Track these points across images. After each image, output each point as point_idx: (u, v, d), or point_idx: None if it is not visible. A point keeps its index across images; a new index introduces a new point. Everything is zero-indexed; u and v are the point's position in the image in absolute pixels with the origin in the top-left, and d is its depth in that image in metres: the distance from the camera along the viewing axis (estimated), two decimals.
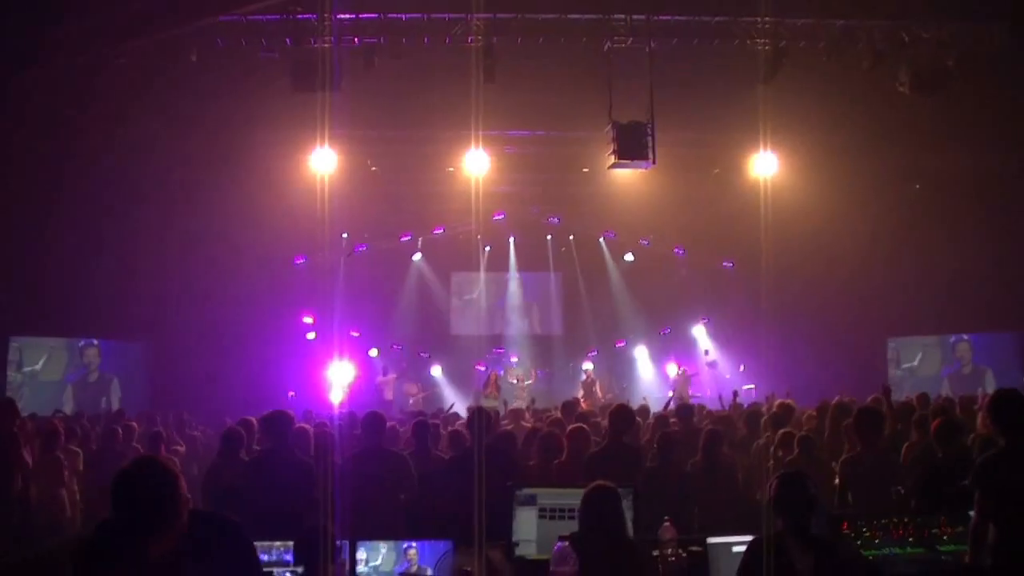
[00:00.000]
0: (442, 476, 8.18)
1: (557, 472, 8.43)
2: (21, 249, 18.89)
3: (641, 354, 27.56)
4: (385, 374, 24.47)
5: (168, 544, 3.80)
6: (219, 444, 9.23)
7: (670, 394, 22.55)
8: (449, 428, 11.15)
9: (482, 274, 27.75)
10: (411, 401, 24.35)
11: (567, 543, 5.20)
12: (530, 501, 5.92)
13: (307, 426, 10.05)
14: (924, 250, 22.19)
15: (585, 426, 9.07)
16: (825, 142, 20.19)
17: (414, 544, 5.66)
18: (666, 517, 5.78)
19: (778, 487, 5.18)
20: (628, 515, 5.77)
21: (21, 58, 14.11)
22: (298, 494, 7.35)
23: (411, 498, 8.16)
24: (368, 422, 8.52)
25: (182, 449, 11.13)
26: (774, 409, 11.28)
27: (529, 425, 12.99)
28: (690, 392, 23.62)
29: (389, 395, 23.96)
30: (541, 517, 5.90)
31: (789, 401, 12.26)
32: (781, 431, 9.49)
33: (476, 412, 8.69)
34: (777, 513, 5.15)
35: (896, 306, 23.12)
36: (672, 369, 25.81)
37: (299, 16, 15.32)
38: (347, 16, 15.67)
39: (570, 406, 13.50)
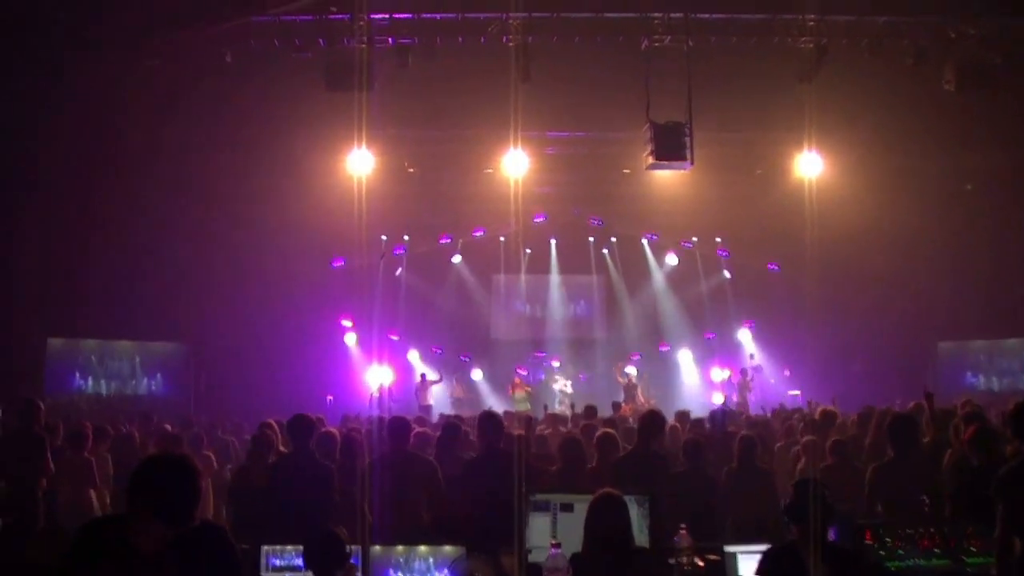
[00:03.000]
0: (458, 481, 8.20)
1: (589, 478, 8.40)
2: (60, 251, 19.21)
3: (685, 358, 27.40)
4: (424, 378, 24.49)
5: (158, 543, 3.85)
6: (249, 447, 9.35)
7: (715, 397, 22.40)
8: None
9: (523, 277, 27.75)
10: (454, 404, 24.38)
11: (561, 549, 5.19)
12: (544, 507, 5.90)
13: (334, 430, 10.09)
14: (974, 251, 21.83)
15: (613, 431, 9.03)
16: (870, 141, 19.95)
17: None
18: (682, 525, 5.74)
19: (793, 494, 5.13)
20: (643, 523, 5.73)
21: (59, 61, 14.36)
22: (316, 498, 7.39)
23: (437, 503, 8.18)
24: (393, 427, 8.54)
25: (211, 455, 11.21)
26: (815, 415, 11.16)
27: (566, 431, 12.95)
28: (747, 397, 23.46)
29: (428, 399, 23.97)
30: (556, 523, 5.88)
31: (831, 407, 12.10)
32: (807, 437, 9.38)
33: (481, 417, 8.68)
34: (792, 521, 5.09)
35: (946, 309, 22.75)
36: (717, 374, 25.64)
37: (332, 16, 15.44)
38: (381, 16, 15.75)
39: (591, 409, 13.48)
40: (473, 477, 7.90)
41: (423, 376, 24.51)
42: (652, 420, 8.64)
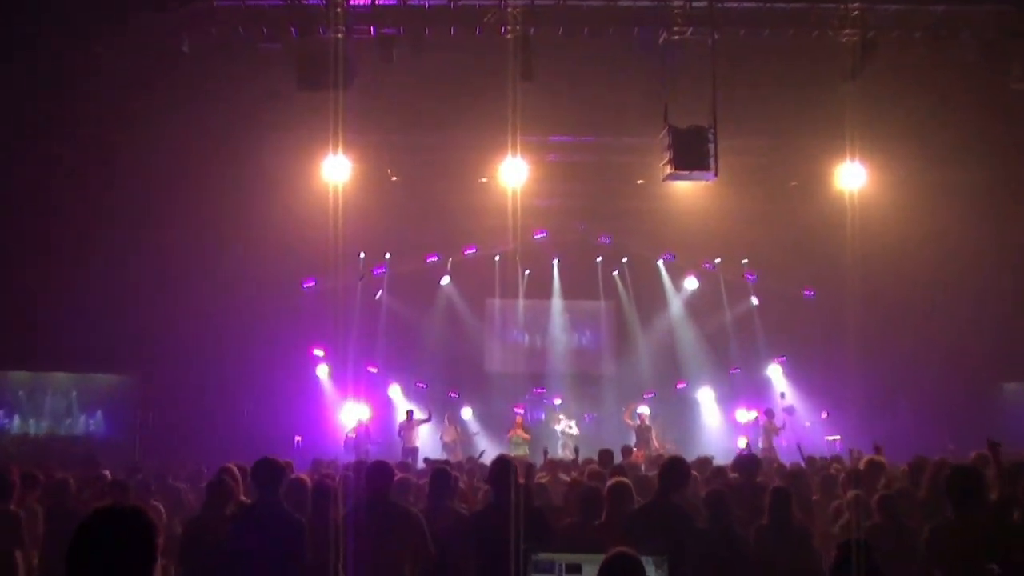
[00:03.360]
0: (460, 537, 8.12)
1: (597, 534, 8.34)
2: None
3: (706, 398, 27.35)
4: (411, 416, 24.35)
5: None
6: (204, 496, 9.24)
7: (740, 442, 22.33)
8: (475, 480, 11.10)
9: (521, 302, 27.73)
10: (447, 451, 24.20)
11: None
12: (548, 568, 5.84)
13: (305, 477, 10.02)
14: None
15: (626, 479, 8.97)
16: (922, 150, 19.94)
17: None
18: None
19: (836, 557, 5.09)
20: None
21: None
22: (284, 556, 7.32)
23: (424, 562, 8.12)
24: (373, 473, 8.49)
25: (159, 506, 11.08)
26: (858, 465, 11.11)
27: (568, 479, 12.90)
28: (773, 442, 23.38)
29: (414, 440, 23.82)
30: None
31: (878, 457, 12.03)
32: (852, 491, 9.33)
33: (498, 461, 8.60)
34: None
35: (1013, 344, 22.43)
36: (743, 415, 25.60)
37: (305, 1, 15.42)
38: (361, 2, 15.75)
39: (607, 454, 13.41)
40: (481, 532, 7.83)
41: (410, 413, 24.33)
42: (675, 468, 8.58)
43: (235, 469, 9.81)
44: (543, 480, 12.63)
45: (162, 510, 10.85)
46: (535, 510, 8.49)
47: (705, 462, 13.60)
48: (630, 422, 24.22)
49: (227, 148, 19.65)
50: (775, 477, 12.77)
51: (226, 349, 21.92)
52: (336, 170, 18.22)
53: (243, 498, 9.39)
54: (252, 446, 17.06)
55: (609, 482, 8.90)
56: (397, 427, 24.34)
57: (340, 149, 17.97)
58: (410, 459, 20.40)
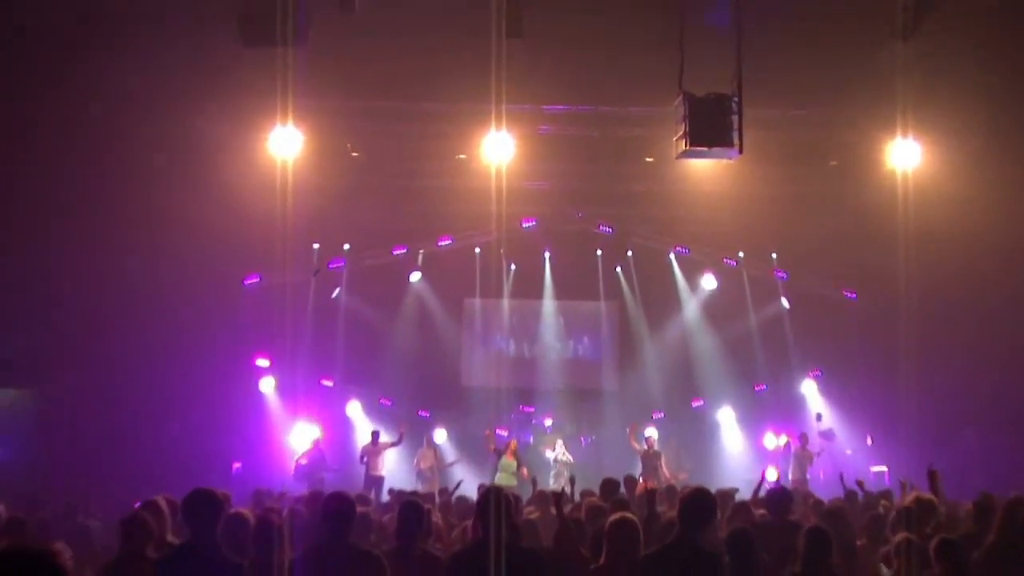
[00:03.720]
0: None
1: None
2: None
3: (726, 418, 27.40)
4: (376, 439, 24.11)
5: None
6: (119, 536, 9.16)
7: (770, 472, 22.35)
8: (450, 515, 11.05)
9: (505, 303, 27.74)
10: (425, 476, 24.02)
11: None
12: None
13: (246, 512, 9.97)
14: None
15: (632, 515, 8.93)
16: (991, 123, 19.93)
17: None
18: None
19: None
20: None
21: None
22: None
23: None
24: (331, 508, 8.43)
25: (65, 549, 10.99)
26: (907, 502, 11.07)
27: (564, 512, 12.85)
28: (807, 472, 23.39)
29: (380, 468, 23.59)
30: None
31: (925, 495, 12.00)
32: (902, 534, 9.30)
33: (487, 491, 8.54)
34: None
35: None
36: (771, 440, 25.62)
37: None
38: None
39: (611, 485, 13.37)
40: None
41: (375, 435, 24.08)
42: (699, 502, 8.49)
43: (160, 502, 9.74)
44: (532, 516, 12.60)
45: (69, 554, 10.75)
46: (524, 551, 8.44)
47: (727, 496, 13.59)
48: (636, 446, 24.15)
49: (154, 117, 19.44)
50: (811, 515, 12.79)
51: (150, 358, 21.75)
52: (285, 143, 18.21)
53: (170, 538, 9.32)
54: (182, 474, 17.06)
55: (612, 518, 8.86)
56: (360, 452, 24.03)
57: (290, 119, 17.91)
58: (373, 490, 20.32)
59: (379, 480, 22.86)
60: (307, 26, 15.47)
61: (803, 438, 24.13)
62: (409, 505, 9.43)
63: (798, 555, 8.76)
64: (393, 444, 24.08)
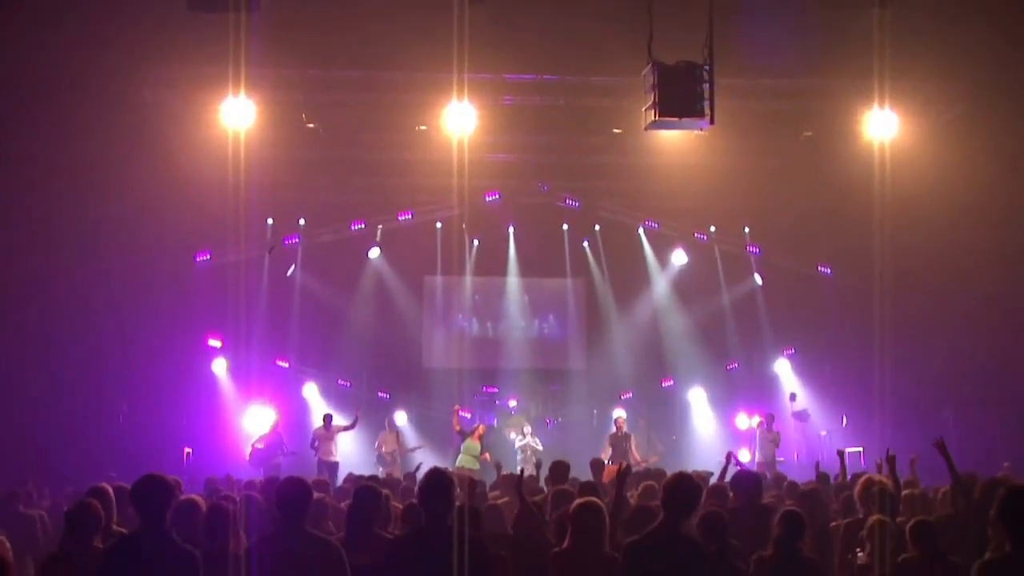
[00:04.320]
0: (379, 570, 8.06)
1: (555, 566, 8.33)
2: None
3: (697, 398, 27.49)
4: (329, 422, 24.06)
5: None
6: (63, 526, 9.12)
7: (743, 454, 22.46)
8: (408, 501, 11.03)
9: (468, 279, 27.71)
10: (385, 460, 23.91)
11: None
12: None
13: (198, 499, 9.94)
14: None
15: (597, 500, 8.92)
16: (971, 92, 20.03)
17: None
18: None
19: None
20: None
21: None
22: None
23: None
24: (286, 494, 8.40)
25: (3, 539, 10.90)
26: (881, 484, 11.12)
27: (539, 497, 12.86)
28: (774, 454, 23.45)
29: (333, 453, 23.38)
30: None
31: (878, 476, 12.05)
32: (875, 516, 9.35)
33: (432, 474, 8.50)
34: None
35: None
36: (743, 421, 25.72)
37: None
38: None
39: (560, 468, 13.33)
40: (407, 561, 7.78)
41: (328, 419, 23.70)
42: (683, 489, 8.46)
43: (108, 489, 9.70)
44: (499, 501, 12.60)
45: (8, 545, 10.69)
46: (474, 540, 8.43)
47: (701, 479, 13.62)
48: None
49: (98, 85, 19.30)
50: (786, 497, 12.88)
51: (96, 337, 21.65)
52: (237, 114, 18.12)
53: (117, 527, 9.28)
54: (130, 460, 17.01)
55: (577, 502, 8.85)
56: (311, 436, 23.69)
57: (242, 88, 17.82)
58: (328, 475, 20.19)
59: (333, 465, 22.53)
60: None
61: (769, 418, 24.11)
62: (364, 490, 9.43)
63: (770, 537, 8.78)
64: (347, 428, 23.81)
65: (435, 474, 8.27)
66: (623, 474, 10.04)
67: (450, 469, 16.46)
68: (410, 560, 7.76)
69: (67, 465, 18.29)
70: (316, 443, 23.27)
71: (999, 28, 17.56)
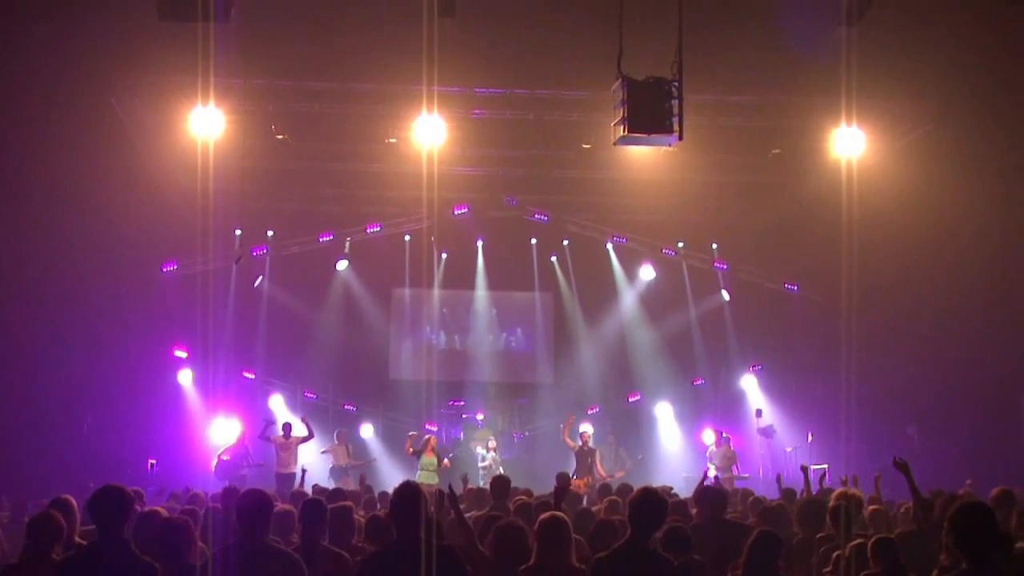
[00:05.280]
0: None
1: None
2: None
3: (664, 413, 27.47)
4: (288, 432, 23.76)
5: None
6: (24, 538, 9.03)
7: (710, 470, 22.46)
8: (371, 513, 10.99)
9: (436, 292, 27.66)
10: (334, 476, 23.76)
11: None
12: None
13: (161, 510, 9.89)
14: None
15: (562, 515, 8.88)
16: (937, 111, 20.15)
17: None
18: None
19: None
20: None
21: None
22: None
23: None
24: (246, 506, 8.35)
25: None
26: (844, 500, 11.12)
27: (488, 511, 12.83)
28: (736, 472, 23.43)
29: (291, 464, 22.98)
30: None
31: (852, 489, 12.08)
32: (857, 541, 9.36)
33: (403, 488, 8.44)
34: None
35: None
36: (709, 436, 25.71)
37: None
38: None
39: (502, 482, 13.28)
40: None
41: (287, 428, 23.28)
42: (650, 505, 8.43)
43: (70, 501, 9.63)
44: (466, 515, 12.55)
45: None
46: (447, 549, 8.40)
47: (664, 493, 13.60)
48: (572, 443, 24.06)
49: (66, 92, 19.23)
50: (751, 513, 12.87)
51: (61, 347, 21.52)
52: (206, 124, 18.06)
53: (77, 539, 9.21)
54: (93, 471, 16.90)
55: (541, 518, 8.81)
56: (274, 448, 23.05)
57: (212, 97, 17.77)
58: (286, 489, 19.80)
59: (290, 477, 22.05)
60: (229, 1, 15.37)
61: (723, 439, 24.07)
62: (311, 504, 9.40)
63: (740, 556, 8.76)
64: (303, 440, 23.10)
65: (406, 487, 8.25)
66: (560, 492, 10.03)
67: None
68: (385, 574, 7.76)
69: (31, 475, 18.14)
70: (277, 452, 22.75)
71: (965, 48, 17.67)
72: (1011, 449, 21.83)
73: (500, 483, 13.41)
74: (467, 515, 12.47)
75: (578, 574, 8.26)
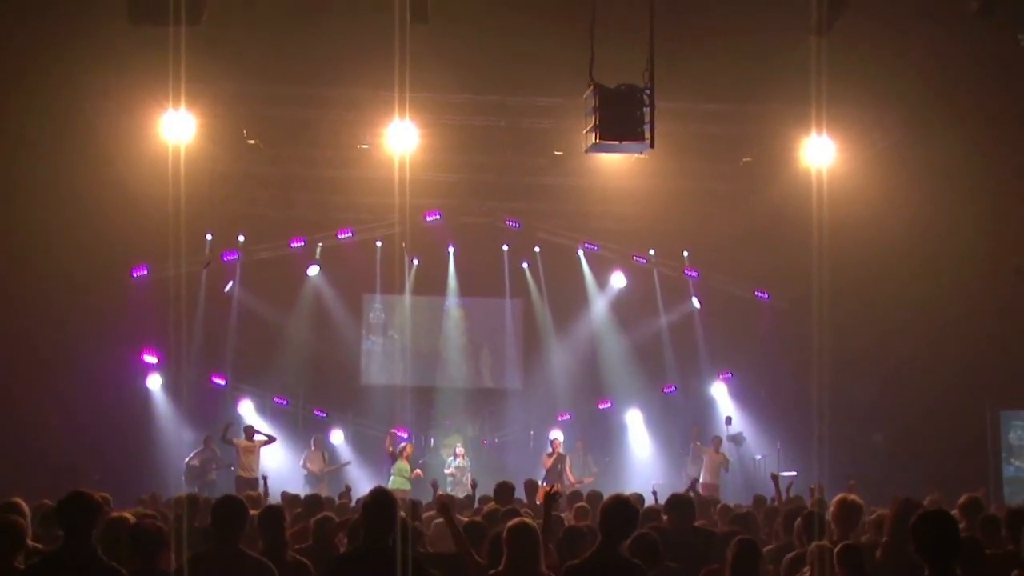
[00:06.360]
0: None
1: None
2: None
3: (634, 420, 27.49)
4: (250, 436, 22.95)
5: None
6: None
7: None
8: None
9: (407, 298, 27.59)
10: (312, 480, 23.61)
11: None
12: None
13: (128, 515, 9.82)
14: None
15: (530, 521, 8.87)
16: (906, 120, 20.24)
17: None
18: None
19: None
20: None
21: None
22: None
23: None
24: (217, 513, 8.31)
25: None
26: (832, 508, 11.15)
27: (466, 519, 12.82)
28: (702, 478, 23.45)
29: (253, 468, 22.56)
30: None
31: (851, 496, 12.07)
32: (818, 543, 9.35)
33: (375, 493, 8.43)
34: None
35: (1015, 364, 22.55)
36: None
37: None
38: None
39: (505, 489, 13.31)
40: None
41: (250, 431, 23.12)
42: (621, 512, 8.41)
43: (22, 504, 9.55)
44: (434, 521, 12.54)
45: None
46: (411, 558, 8.38)
47: (635, 501, 13.60)
48: (548, 462, 23.96)
49: (35, 94, 19.11)
50: (720, 521, 12.90)
51: (30, 352, 21.42)
52: (177, 128, 18.01)
53: (36, 544, 9.11)
54: (59, 477, 16.78)
55: (510, 524, 8.80)
56: (233, 451, 22.81)
57: (182, 102, 17.73)
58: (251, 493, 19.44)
59: (253, 483, 21.36)
60: (202, 5, 15.29)
61: (698, 440, 24.25)
62: (270, 512, 9.37)
63: (710, 563, 8.77)
64: (265, 443, 23.04)
65: (378, 493, 8.25)
66: (550, 497, 10.00)
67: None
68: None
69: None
70: (239, 456, 22.49)
71: (934, 60, 17.74)
72: (976, 456, 22.01)
73: (504, 489, 13.39)
74: (434, 521, 12.49)
75: None
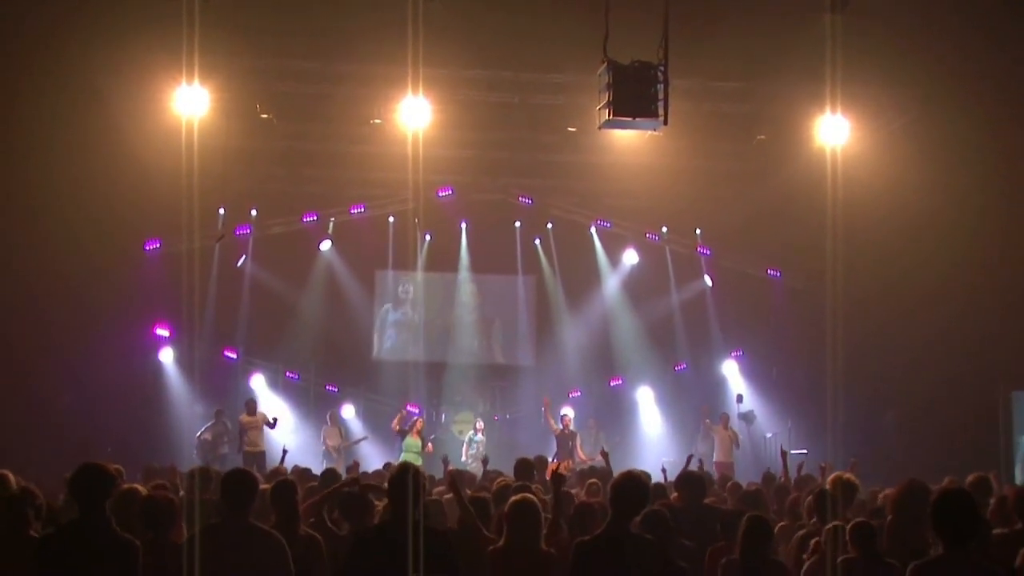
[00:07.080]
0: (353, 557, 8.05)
1: (492, 563, 8.29)
2: None
3: (645, 398, 27.51)
4: (252, 411, 22.86)
5: None
6: None
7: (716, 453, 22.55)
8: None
9: (419, 274, 27.61)
10: (331, 455, 23.59)
11: None
12: None
13: (140, 487, 9.85)
14: None
15: (532, 497, 8.87)
16: (922, 99, 20.17)
17: None
18: None
19: None
20: None
21: None
22: None
23: None
24: (232, 484, 8.34)
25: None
26: (827, 485, 11.16)
27: (471, 493, 12.83)
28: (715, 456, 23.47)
29: (260, 442, 22.38)
30: None
31: (849, 474, 12.09)
32: (833, 523, 9.37)
33: (403, 469, 8.46)
34: None
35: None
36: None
37: None
38: None
39: (525, 465, 13.32)
40: (360, 560, 7.78)
41: (250, 406, 23.03)
42: (631, 489, 8.39)
43: (6, 476, 9.59)
44: (444, 497, 12.56)
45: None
46: (432, 532, 8.41)
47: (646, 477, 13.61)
48: (553, 425, 24.03)
49: (48, 68, 19.11)
50: (729, 499, 12.92)
51: (43, 326, 21.45)
52: (190, 103, 17.98)
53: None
54: (72, 450, 16.82)
55: (512, 500, 8.81)
56: (239, 425, 22.82)
57: (196, 77, 17.70)
58: (256, 468, 19.36)
59: (260, 456, 21.87)
60: None
61: (707, 416, 24.27)
62: (282, 486, 9.38)
63: (739, 542, 8.77)
64: (270, 423, 22.84)
65: (404, 468, 8.30)
66: (558, 475, 9.98)
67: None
68: (375, 552, 7.82)
69: (10, 453, 18.05)
70: (244, 431, 22.54)
71: (949, 38, 17.67)
72: (988, 435, 21.96)
73: (523, 466, 13.37)
74: (445, 496, 12.51)
75: (547, 557, 8.31)
